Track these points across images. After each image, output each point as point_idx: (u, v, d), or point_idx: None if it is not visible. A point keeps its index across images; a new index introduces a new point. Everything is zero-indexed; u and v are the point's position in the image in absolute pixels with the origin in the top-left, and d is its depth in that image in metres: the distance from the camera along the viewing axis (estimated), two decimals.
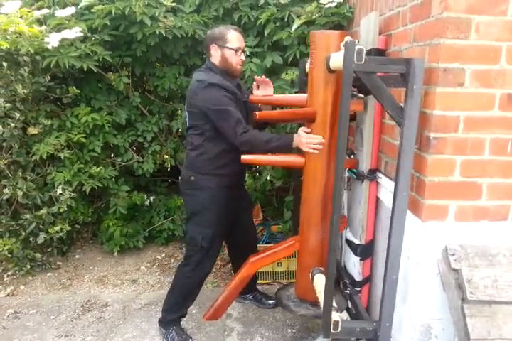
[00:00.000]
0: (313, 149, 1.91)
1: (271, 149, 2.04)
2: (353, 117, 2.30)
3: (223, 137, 2.10)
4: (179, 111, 3.34)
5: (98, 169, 3.03)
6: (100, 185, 3.08)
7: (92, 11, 2.62)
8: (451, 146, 1.54)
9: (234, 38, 2.13)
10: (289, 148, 2.03)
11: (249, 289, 2.67)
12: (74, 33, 2.54)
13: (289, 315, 2.57)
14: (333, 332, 1.57)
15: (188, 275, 2.32)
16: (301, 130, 1.97)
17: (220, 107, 2.05)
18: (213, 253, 2.35)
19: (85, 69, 2.72)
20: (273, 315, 2.63)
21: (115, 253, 3.34)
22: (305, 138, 1.92)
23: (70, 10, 2.57)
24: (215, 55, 2.17)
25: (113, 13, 2.57)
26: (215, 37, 2.15)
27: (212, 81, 2.08)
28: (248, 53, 2.73)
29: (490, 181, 1.59)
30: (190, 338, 2.38)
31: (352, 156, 2.25)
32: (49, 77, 2.88)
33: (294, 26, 2.52)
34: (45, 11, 2.63)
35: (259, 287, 2.85)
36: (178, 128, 3.30)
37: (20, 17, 2.57)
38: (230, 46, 2.13)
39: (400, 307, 1.74)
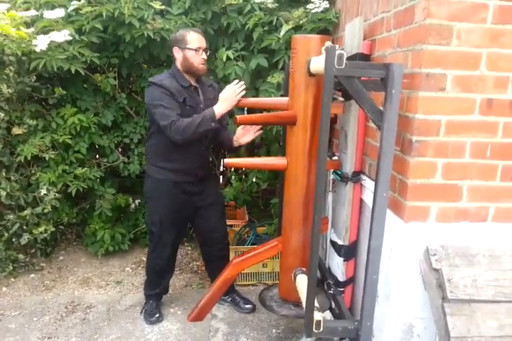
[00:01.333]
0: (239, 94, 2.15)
1: (199, 125, 2.13)
2: (333, 120, 2.34)
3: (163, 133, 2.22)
4: None
5: (83, 170, 3.01)
6: (85, 187, 3.06)
7: (81, 12, 2.61)
8: (433, 149, 1.58)
9: (193, 38, 2.23)
10: (213, 118, 2.15)
11: (228, 291, 2.59)
12: (63, 35, 2.52)
13: (273, 316, 2.58)
14: (316, 331, 1.60)
15: (149, 259, 2.61)
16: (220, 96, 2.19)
17: (154, 102, 2.21)
18: (167, 242, 2.49)
19: (73, 72, 2.71)
20: (258, 316, 2.64)
21: (99, 256, 3.31)
22: (229, 93, 2.15)
23: (59, 12, 2.55)
24: (178, 57, 2.29)
25: (104, 15, 2.57)
26: (176, 40, 2.28)
27: (152, 80, 2.28)
28: (234, 57, 2.75)
29: (470, 183, 1.63)
30: (158, 314, 2.59)
31: (333, 158, 2.28)
32: (34, 77, 2.87)
33: (282, 32, 2.55)
34: (32, 12, 2.60)
35: (244, 288, 2.87)
36: None
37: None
38: (190, 47, 2.23)
39: (383, 306, 1.78)
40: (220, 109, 2.16)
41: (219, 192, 2.71)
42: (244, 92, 2.18)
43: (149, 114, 2.36)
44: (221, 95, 2.18)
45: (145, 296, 2.67)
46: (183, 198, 2.42)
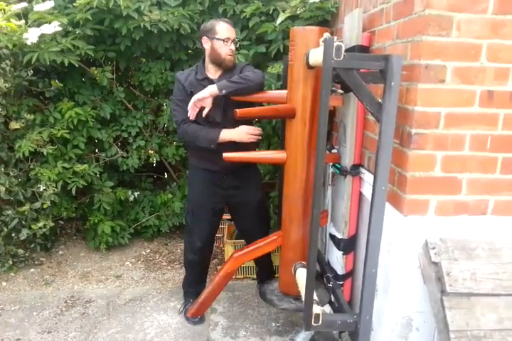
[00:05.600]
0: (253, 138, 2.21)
1: (199, 140, 2.21)
2: (332, 113, 2.32)
3: None
4: (164, 107, 3.32)
5: (83, 167, 3.00)
6: (85, 184, 3.05)
7: (74, 4, 2.59)
8: (432, 142, 1.56)
9: (223, 29, 2.17)
10: (214, 141, 2.18)
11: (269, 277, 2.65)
12: (53, 27, 2.48)
13: (273, 310, 2.59)
14: (314, 324, 1.59)
15: (185, 253, 2.62)
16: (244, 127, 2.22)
17: (172, 97, 2.34)
18: (198, 232, 2.46)
19: (66, 64, 2.68)
20: (258, 310, 2.64)
21: (102, 250, 3.31)
22: (245, 130, 2.19)
23: (49, 4, 2.52)
24: (206, 48, 2.22)
25: (94, 6, 2.54)
26: (205, 30, 2.21)
27: (175, 74, 2.38)
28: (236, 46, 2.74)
29: (470, 176, 1.62)
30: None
31: (332, 151, 2.27)
32: (31, 71, 2.84)
33: (279, 20, 2.53)
34: (23, 5, 2.57)
35: (243, 282, 2.89)
36: (164, 124, 3.29)
37: None
38: (219, 37, 2.16)
39: (382, 300, 1.77)
40: (226, 135, 2.19)
41: (258, 191, 2.52)
42: (256, 139, 2.22)
43: None
44: (240, 127, 2.20)
45: (183, 293, 2.67)
46: (217, 191, 2.38)
